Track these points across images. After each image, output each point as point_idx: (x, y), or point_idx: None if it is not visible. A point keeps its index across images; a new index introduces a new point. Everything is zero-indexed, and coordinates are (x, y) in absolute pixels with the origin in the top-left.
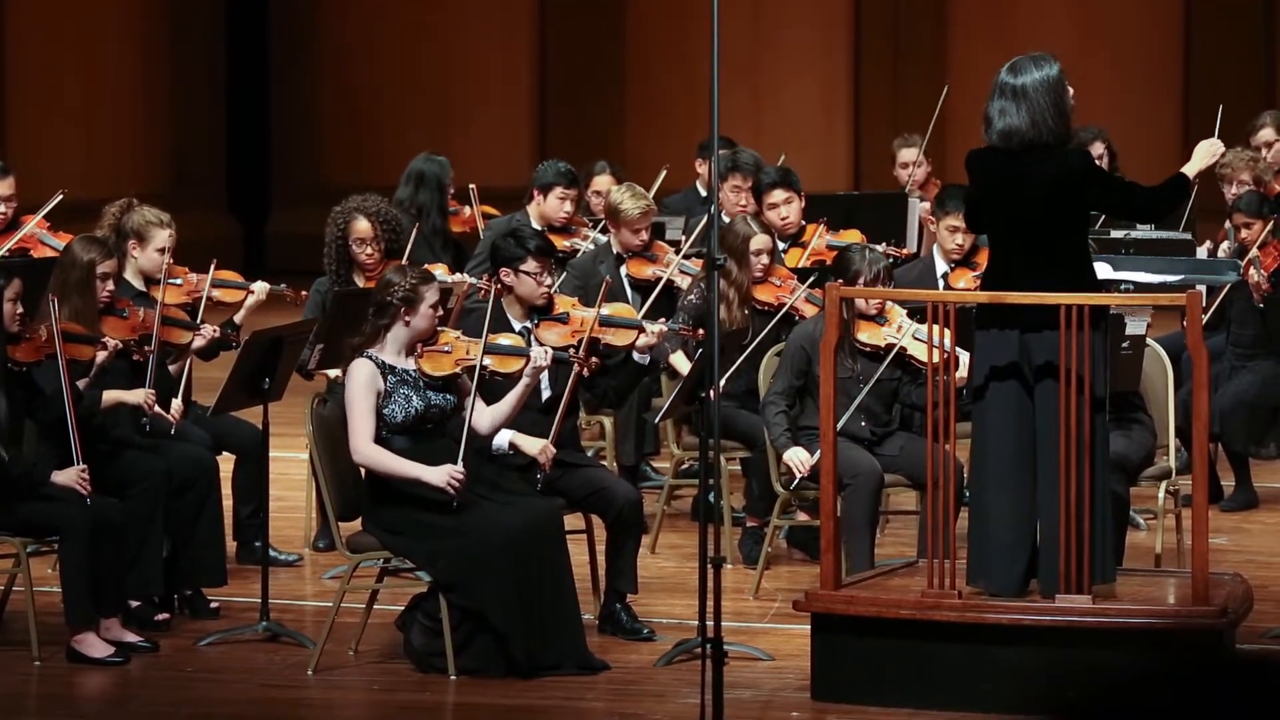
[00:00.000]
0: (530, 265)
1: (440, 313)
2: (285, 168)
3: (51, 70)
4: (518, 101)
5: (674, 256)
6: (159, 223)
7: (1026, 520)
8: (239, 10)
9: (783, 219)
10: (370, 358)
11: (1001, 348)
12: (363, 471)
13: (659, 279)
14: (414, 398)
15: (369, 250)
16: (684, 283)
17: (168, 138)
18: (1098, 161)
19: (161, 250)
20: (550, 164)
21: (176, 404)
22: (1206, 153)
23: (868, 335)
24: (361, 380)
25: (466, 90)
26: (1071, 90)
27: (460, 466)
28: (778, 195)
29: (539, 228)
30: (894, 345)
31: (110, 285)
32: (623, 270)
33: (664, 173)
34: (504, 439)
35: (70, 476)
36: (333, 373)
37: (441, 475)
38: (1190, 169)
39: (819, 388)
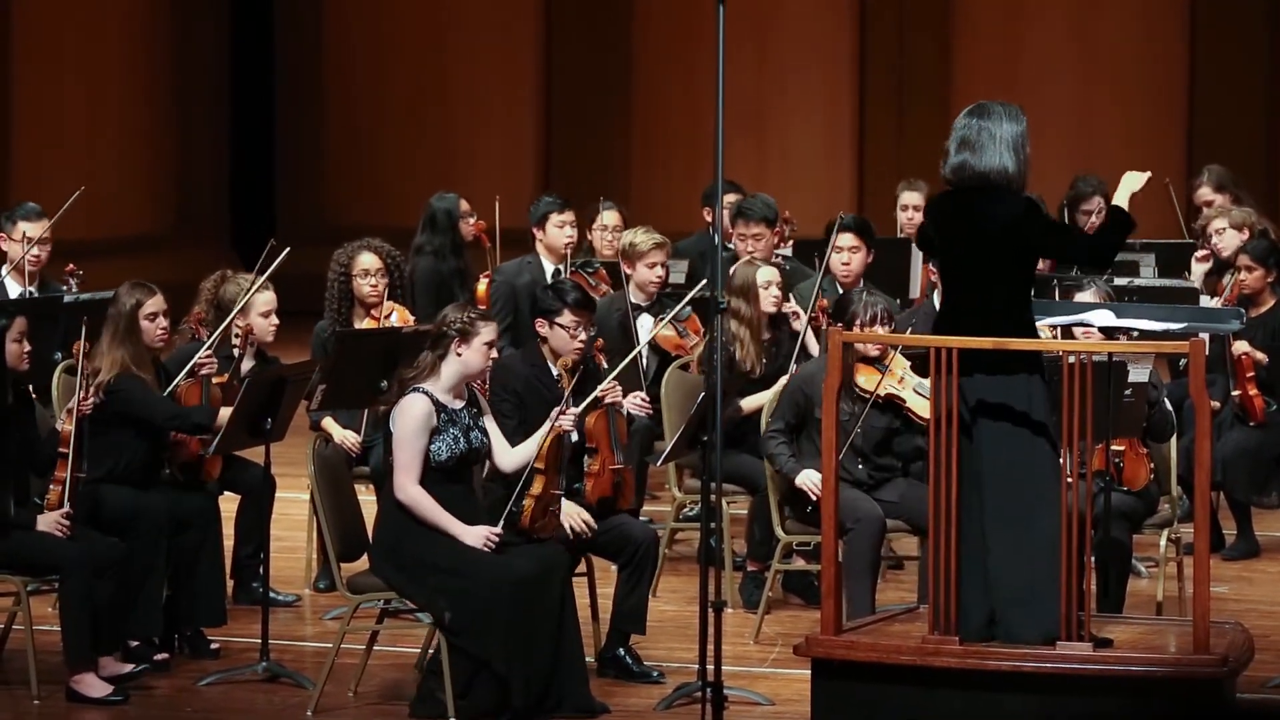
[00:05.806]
0: (566, 318)
1: (495, 354)
2: (290, 206)
3: (56, 109)
4: (523, 141)
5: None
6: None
7: (978, 563)
8: (244, 49)
9: (844, 264)
10: (426, 394)
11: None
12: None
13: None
14: (461, 439)
15: (373, 282)
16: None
17: (172, 176)
18: (1095, 216)
19: (265, 314)
20: (537, 202)
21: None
22: (1133, 181)
23: (865, 379)
24: (418, 418)
25: (471, 130)
26: (1029, 150)
27: (498, 528)
28: (845, 240)
29: (554, 266)
30: (890, 396)
31: (164, 323)
32: (644, 325)
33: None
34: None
35: (50, 522)
36: (338, 434)
37: (478, 537)
38: (1119, 199)
39: (816, 429)
